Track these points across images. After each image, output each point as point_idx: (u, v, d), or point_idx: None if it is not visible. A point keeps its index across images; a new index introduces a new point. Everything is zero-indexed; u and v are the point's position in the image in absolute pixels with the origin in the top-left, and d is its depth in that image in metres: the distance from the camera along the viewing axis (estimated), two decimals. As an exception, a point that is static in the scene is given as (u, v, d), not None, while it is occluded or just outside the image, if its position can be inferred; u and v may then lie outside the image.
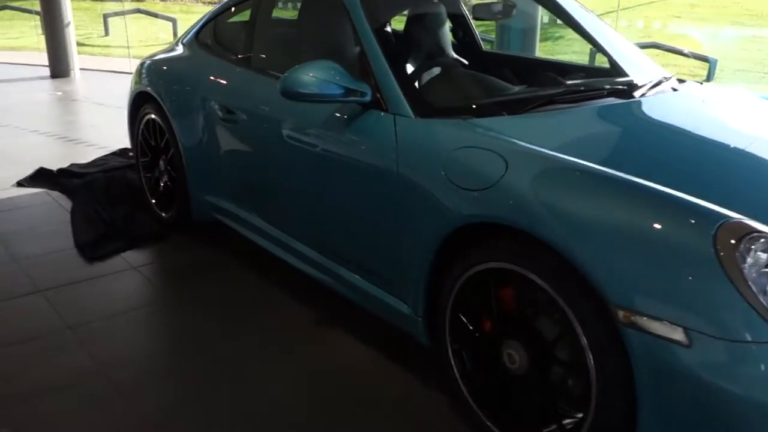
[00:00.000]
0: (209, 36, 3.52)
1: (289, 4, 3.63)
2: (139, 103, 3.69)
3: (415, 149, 2.11)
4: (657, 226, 1.57)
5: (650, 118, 2.35)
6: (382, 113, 2.28)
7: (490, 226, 1.91)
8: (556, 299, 1.73)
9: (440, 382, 2.30)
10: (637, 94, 2.43)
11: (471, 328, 2.04)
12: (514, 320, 1.89)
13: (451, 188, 1.95)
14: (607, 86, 2.45)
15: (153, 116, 3.55)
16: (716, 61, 7.70)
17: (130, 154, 4.87)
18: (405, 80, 2.31)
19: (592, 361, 1.68)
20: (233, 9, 3.44)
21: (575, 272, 1.67)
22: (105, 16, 13.47)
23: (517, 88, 2.53)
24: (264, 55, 3.08)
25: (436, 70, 2.76)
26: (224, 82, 3.06)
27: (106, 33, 13.29)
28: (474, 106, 2.27)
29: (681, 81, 2.77)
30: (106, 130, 5.98)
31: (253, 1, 3.18)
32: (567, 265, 1.69)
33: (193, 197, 3.37)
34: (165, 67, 3.54)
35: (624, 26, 12.70)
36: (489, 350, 1.98)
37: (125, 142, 5.12)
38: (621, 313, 1.59)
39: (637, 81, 2.55)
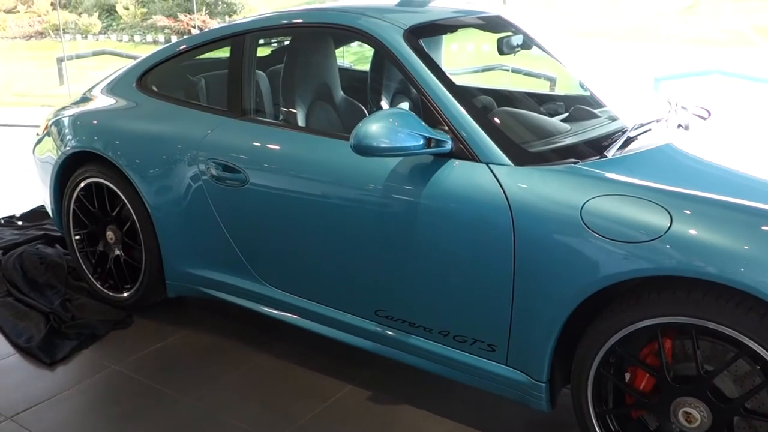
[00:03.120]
0: (162, 82, 3.03)
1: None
2: (71, 165, 3.08)
3: (534, 202, 1.92)
4: None
5: (722, 148, 2.37)
6: (470, 163, 2.06)
7: (647, 280, 1.79)
8: (756, 349, 1.64)
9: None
10: (682, 124, 2.44)
11: (624, 389, 1.89)
12: (688, 376, 1.78)
13: (601, 242, 1.80)
14: (657, 119, 2.43)
15: (98, 179, 2.97)
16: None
17: (19, 223, 4.10)
18: (486, 125, 2.12)
19: (807, 410, 1.61)
20: (192, 51, 2.99)
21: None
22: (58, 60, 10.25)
23: (568, 126, 2.43)
24: (270, 104, 2.69)
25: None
26: (216, 135, 2.62)
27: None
28: (568, 150, 2.13)
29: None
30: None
31: (233, 41, 2.77)
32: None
33: (170, 271, 2.85)
34: (111, 122, 2.97)
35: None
36: (652, 411, 1.85)
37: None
38: None
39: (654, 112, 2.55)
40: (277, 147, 2.48)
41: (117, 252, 3.03)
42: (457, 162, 2.09)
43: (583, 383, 1.93)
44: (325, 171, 2.33)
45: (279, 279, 2.58)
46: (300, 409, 2.37)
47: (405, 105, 3.30)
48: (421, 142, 2.04)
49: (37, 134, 3.41)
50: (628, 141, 2.17)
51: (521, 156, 2.05)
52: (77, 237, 3.17)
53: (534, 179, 1.97)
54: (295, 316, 2.55)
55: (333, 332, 2.46)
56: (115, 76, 3.24)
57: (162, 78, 3.07)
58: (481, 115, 2.17)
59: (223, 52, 2.92)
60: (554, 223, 1.88)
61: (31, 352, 2.69)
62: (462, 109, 2.13)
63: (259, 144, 2.53)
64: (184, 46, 3.02)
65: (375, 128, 2.02)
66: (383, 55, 2.41)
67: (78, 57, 11.88)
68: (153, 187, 2.78)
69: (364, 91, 3.30)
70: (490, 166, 2.03)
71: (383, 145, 2.01)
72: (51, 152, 3.19)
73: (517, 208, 1.94)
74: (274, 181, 2.45)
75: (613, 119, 2.48)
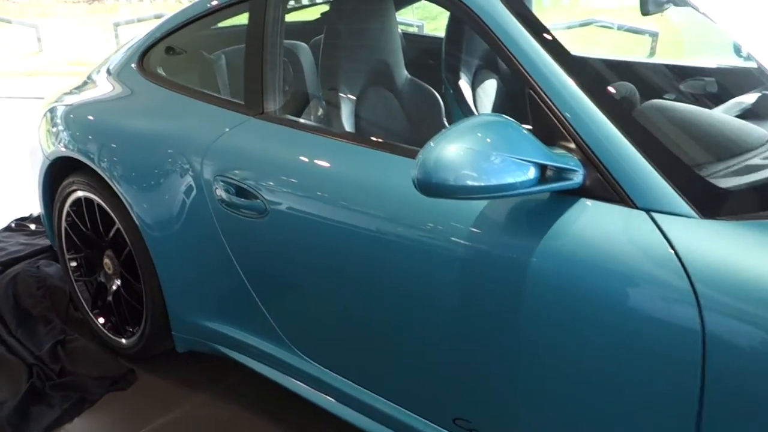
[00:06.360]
0: (168, 61, 2.29)
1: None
2: (58, 172, 2.39)
3: (738, 286, 1.06)
4: None
5: None
6: (618, 208, 1.21)
7: None
8: None
9: None
10: None
11: None
12: None
13: None
14: None
15: (87, 194, 2.27)
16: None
17: (32, 227, 3.50)
18: (642, 139, 1.25)
19: None
20: (203, 19, 2.22)
21: None
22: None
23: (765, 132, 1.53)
24: (304, 93, 1.90)
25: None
26: (227, 142, 1.85)
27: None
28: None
29: None
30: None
31: (251, 4, 1.97)
32: None
33: (176, 320, 2.14)
34: (103, 118, 2.26)
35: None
36: None
37: (19, 210, 3.72)
38: None
39: None
40: (307, 161, 1.68)
41: (116, 285, 2.34)
42: (590, 202, 1.24)
43: None
44: (375, 205, 1.52)
45: (317, 350, 1.81)
46: None
47: (492, 85, 2.46)
48: (536, 175, 1.20)
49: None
50: None
51: (709, 198, 1.18)
52: (73, 263, 2.50)
53: (738, 247, 1.10)
54: (338, 403, 1.79)
55: (390, 433, 1.68)
56: (122, 54, 2.51)
57: (168, 56, 2.32)
58: (632, 122, 1.30)
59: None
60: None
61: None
62: (599, 112, 1.27)
63: (280, 157, 1.73)
64: (196, 12, 2.25)
65: (454, 151, 1.19)
66: (461, 16, 1.55)
67: (139, 21, 11.38)
68: (148, 209, 2.04)
69: (438, 68, 2.47)
70: (654, 215, 1.18)
71: (470, 182, 1.18)
72: (40, 151, 2.51)
73: (706, 296, 1.08)
74: (303, 216, 1.66)
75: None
